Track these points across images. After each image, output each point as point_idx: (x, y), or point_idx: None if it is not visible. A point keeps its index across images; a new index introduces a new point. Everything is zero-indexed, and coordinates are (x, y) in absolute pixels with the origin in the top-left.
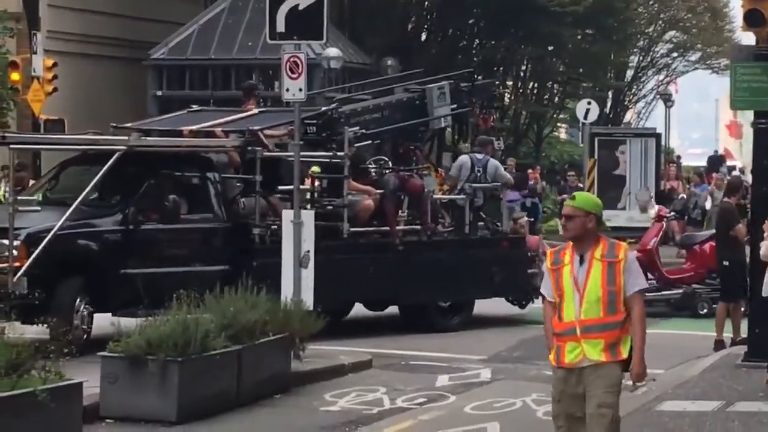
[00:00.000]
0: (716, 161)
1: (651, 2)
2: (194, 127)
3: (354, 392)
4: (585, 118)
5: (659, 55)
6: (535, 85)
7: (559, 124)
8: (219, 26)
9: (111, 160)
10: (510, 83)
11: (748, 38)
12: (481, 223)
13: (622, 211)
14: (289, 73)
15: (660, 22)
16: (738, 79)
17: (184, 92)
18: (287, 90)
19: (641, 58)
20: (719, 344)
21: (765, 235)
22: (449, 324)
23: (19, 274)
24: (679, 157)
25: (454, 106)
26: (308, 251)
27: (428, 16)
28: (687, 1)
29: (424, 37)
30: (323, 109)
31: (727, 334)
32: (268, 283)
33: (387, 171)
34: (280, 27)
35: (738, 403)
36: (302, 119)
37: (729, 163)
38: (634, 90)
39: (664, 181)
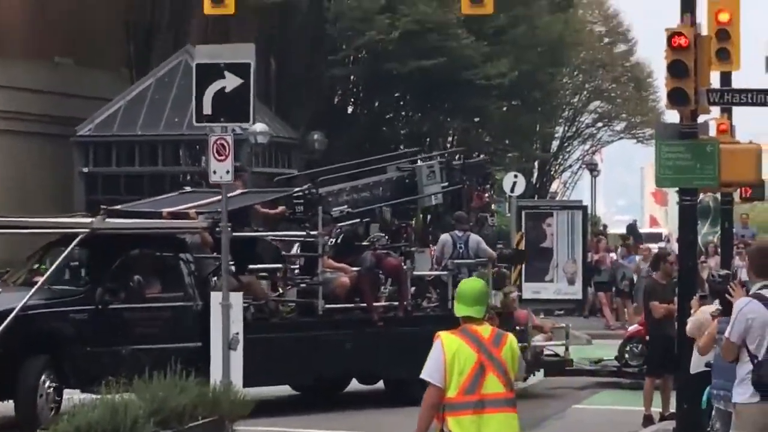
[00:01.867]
0: (635, 229)
1: (576, 73)
2: (172, 209)
3: None
4: (512, 191)
5: (584, 125)
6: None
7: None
8: (146, 102)
9: (73, 243)
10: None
11: (673, 114)
12: None
13: (550, 283)
14: (216, 156)
15: (585, 92)
16: (663, 156)
17: (110, 169)
18: (214, 172)
19: (567, 128)
20: (648, 419)
21: (692, 311)
22: None
23: None
24: (605, 227)
25: (446, 184)
26: (237, 333)
27: (354, 90)
28: (611, 71)
29: (350, 109)
30: (296, 190)
31: (656, 409)
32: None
33: (382, 248)
34: (207, 110)
35: None
36: (291, 198)
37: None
38: (560, 160)
39: (591, 253)
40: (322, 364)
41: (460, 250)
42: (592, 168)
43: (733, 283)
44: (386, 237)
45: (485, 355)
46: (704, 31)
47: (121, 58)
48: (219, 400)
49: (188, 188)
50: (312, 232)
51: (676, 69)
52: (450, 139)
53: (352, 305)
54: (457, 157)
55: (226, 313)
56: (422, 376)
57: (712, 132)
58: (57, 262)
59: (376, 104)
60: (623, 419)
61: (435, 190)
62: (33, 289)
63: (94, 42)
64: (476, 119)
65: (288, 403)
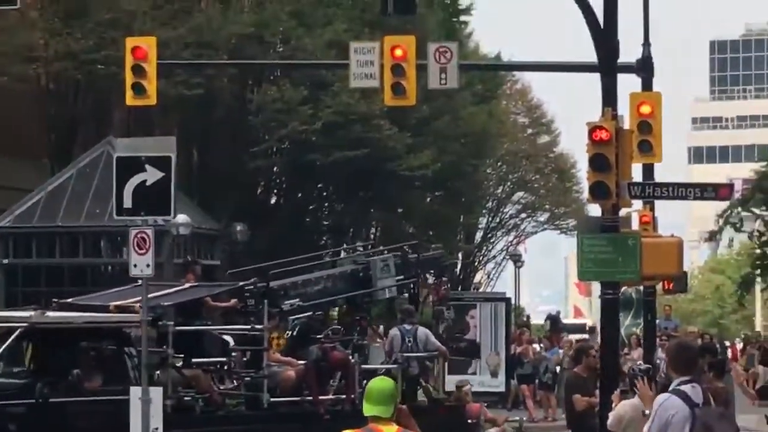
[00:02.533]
0: (556, 320)
1: (499, 164)
2: (117, 303)
3: None
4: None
5: (508, 216)
6: (385, 248)
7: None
8: (66, 193)
9: (11, 337)
10: (360, 246)
11: (597, 208)
12: (420, 390)
13: (473, 376)
14: (137, 249)
15: (508, 183)
16: (585, 250)
17: (31, 260)
18: (135, 265)
19: (491, 219)
20: None
21: (613, 405)
22: None
23: None
24: (528, 318)
25: (401, 277)
26: (156, 429)
27: (277, 180)
28: (534, 162)
29: (273, 200)
30: (246, 283)
31: None
32: None
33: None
34: (128, 203)
35: None
36: (241, 290)
37: (578, 320)
38: (483, 251)
39: (514, 345)
40: None
41: (409, 344)
42: (516, 259)
43: (641, 379)
44: (342, 330)
45: None
46: (626, 124)
47: (42, 149)
48: None
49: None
50: (257, 326)
51: (597, 163)
52: (373, 230)
53: (298, 398)
54: (411, 250)
55: (146, 408)
56: None
57: (635, 224)
58: None
59: (299, 195)
60: None
61: (389, 283)
62: None
63: (15, 132)
64: (399, 210)
65: None
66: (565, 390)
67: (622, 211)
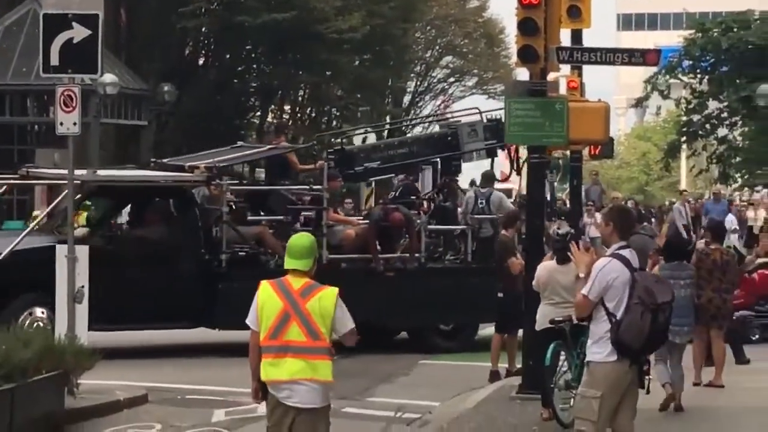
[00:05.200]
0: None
1: (428, 28)
2: (191, 164)
3: (129, 429)
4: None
5: (436, 81)
6: (313, 110)
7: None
8: None
9: (62, 195)
10: (288, 108)
11: (525, 72)
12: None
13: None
14: (63, 107)
15: (437, 47)
16: (512, 114)
17: None
18: (61, 124)
19: (418, 83)
20: (494, 375)
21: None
22: (449, 346)
23: None
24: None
25: (493, 141)
26: (83, 286)
27: (205, 42)
28: (463, 27)
29: (201, 62)
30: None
31: (503, 365)
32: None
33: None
34: (54, 60)
35: None
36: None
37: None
38: (411, 115)
39: None
40: None
41: (481, 206)
42: (443, 123)
43: (575, 244)
44: (436, 191)
45: (291, 305)
46: None
47: None
48: (64, 353)
49: (240, 143)
50: (316, 186)
51: (526, 26)
52: (301, 92)
53: (356, 255)
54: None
55: (72, 266)
56: (246, 320)
57: (563, 89)
58: (48, 209)
59: (228, 57)
60: (470, 375)
61: (477, 146)
62: (22, 234)
63: None
64: (328, 73)
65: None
66: (497, 253)
67: (550, 76)
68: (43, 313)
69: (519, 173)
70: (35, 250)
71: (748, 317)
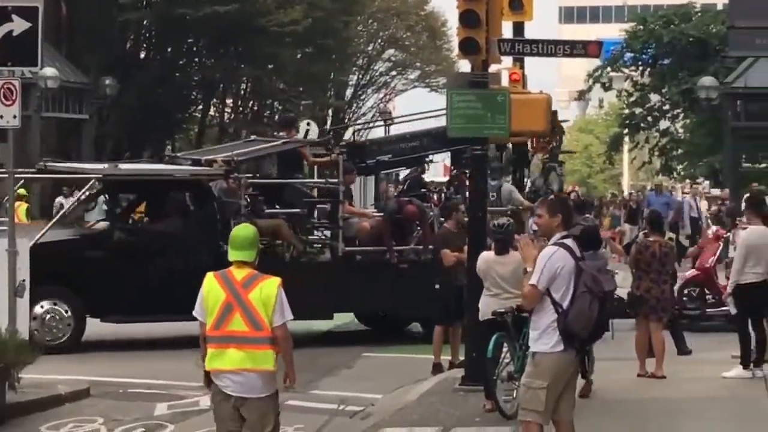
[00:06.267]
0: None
1: (370, 21)
2: (208, 157)
3: (71, 423)
4: (305, 138)
5: (378, 74)
6: (255, 103)
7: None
8: None
9: (86, 187)
10: (230, 102)
11: (466, 64)
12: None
13: None
14: (3, 100)
15: (379, 40)
16: (454, 106)
17: None
18: (1, 117)
19: (361, 76)
20: (437, 368)
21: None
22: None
23: None
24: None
25: None
26: (23, 280)
27: (147, 35)
28: (405, 20)
29: (143, 55)
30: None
31: (446, 357)
32: None
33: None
34: None
35: (455, 428)
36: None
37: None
38: (354, 108)
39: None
40: (353, 301)
41: (492, 198)
42: (386, 116)
43: (522, 238)
44: (446, 184)
45: (233, 296)
46: None
47: None
48: (5, 348)
49: (253, 136)
50: (332, 180)
51: (467, 18)
52: (243, 85)
53: (371, 248)
54: None
55: (13, 260)
56: (193, 312)
57: (505, 82)
58: (72, 203)
59: (169, 50)
60: (413, 367)
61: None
62: (47, 227)
63: None
64: (270, 66)
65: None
66: (436, 244)
67: (492, 68)
68: (55, 305)
69: (527, 166)
70: (57, 244)
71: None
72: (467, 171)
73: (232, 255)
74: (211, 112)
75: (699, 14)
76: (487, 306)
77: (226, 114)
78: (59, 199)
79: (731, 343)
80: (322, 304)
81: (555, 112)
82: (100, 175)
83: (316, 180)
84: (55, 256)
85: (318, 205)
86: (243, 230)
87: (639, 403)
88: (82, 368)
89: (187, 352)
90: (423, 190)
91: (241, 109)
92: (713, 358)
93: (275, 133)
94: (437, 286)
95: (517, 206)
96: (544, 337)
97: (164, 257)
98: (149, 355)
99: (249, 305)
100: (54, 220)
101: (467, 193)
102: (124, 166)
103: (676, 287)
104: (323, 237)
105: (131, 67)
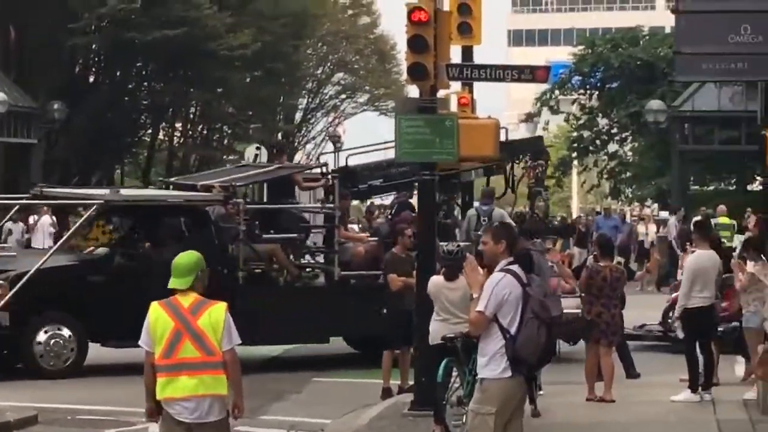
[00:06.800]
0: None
1: (319, 45)
2: (204, 183)
3: None
4: (254, 162)
5: (328, 97)
6: (204, 127)
7: (228, 166)
8: None
9: (88, 213)
10: (179, 126)
11: (416, 89)
12: None
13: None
14: None
15: (328, 64)
16: (402, 131)
17: None
18: None
19: (310, 100)
20: (386, 392)
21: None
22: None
23: None
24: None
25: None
26: None
27: (96, 59)
28: (355, 44)
29: (92, 79)
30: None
31: (396, 382)
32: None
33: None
34: None
35: None
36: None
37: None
38: (303, 132)
39: None
40: (348, 324)
41: (484, 222)
42: (336, 140)
43: (467, 264)
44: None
45: (182, 323)
46: (446, 6)
47: None
48: None
49: (243, 161)
50: (329, 204)
51: (416, 44)
52: (192, 109)
53: (367, 272)
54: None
55: None
56: (139, 342)
57: (454, 106)
58: (74, 228)
59: (118, 74)
60: (362, 392)
61: (474, 165)
62: (48, 254)
63: None
64: (219, 90)
65: None
66: (384, 269)
67: (441, 93)
68: (59, 330)
69: (514, 191)
70: (59, 269)
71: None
72: (455, 196)
73: (172, 282)
74: (161, 136)
75: (647, 38)
76: (436, 331)
77: (175, 138)
78: (8, 225)
79: (680, 367)
80: (317, 328)
81: (540, 138)
82: (102, 201)
83: (311, 205)
84: (56, 282)
85: (313, 230)
86: (181, 257)
87: (588, 428)
88: (30, 395)
89: (137, 378)
90: (413, 213)
91: (190, 132)
92: (662, 382)
93: (223, 157)
94: (384, 311)
95: None
96: (492, 363)
97: (167, 281)
98: (99, 381)
99: (199, 331)
100: (56, 246)
101: (449, 219)
102: (125, 192)
103: (662, 309)
104: (313, 261)
105: (80, 91)
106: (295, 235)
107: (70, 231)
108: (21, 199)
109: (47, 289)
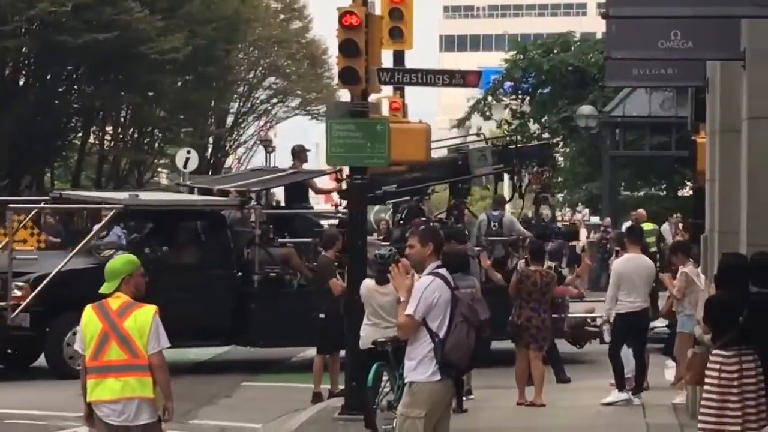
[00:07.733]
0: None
1: (251, 49)
2: (220, 187)
3: None
4: (185, 166)
5: (259, 102)
6: (135, 131)
7: (160, 170)
8: None
9: (107, 217)
10: (110, 129)
11: (347, 92)
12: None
13: None
14: None
15: (260, 68)
16: (334, 135)
17: None
18: None
19: (242, 104)
20: (317, 397)
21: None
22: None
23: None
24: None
25: (501, 165)
26: None
27: (26, 62)
28: (286, 48)
29: (21, 82)
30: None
31: (326, 386)
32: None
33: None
34: None
35: None
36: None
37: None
38: (234, 136)
39: None
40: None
41: (494, 228)
42: (267, 144)
43: (394, 267)
44: (444, 213)
45: (109, 325)
46: (378, 11)
47: None
48: None
49: (259, 166)
50: (341, 209)
51: (347, 48)
52: (123, 113)
53: None
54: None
55: None
56: (74, 346)
57: (385, 111)
58: (93, 232)
59: (48, 77)
60: (292, 396)
61: (485, 171)
62: (69, 256)
63: None
64: (150, 94)
65: None
66: (318, 274)
67: (373, 97)
68: None
69: (522, 197)
70: (78, 271)
71: None
72: (466, 200)
73: (103, 288)
74: (91, 140)
75: (578, 43)
76: (367, 335)
77: (106, 142)
78: None
79: (609, 371)
80: None
81: (547, 144)
82: (122, 205)
83: (327, 210)
84: (76, 284)
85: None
86: (111, 262)
87: None
88: None
89: (70, 381)
90: (423, 219)
91: (121, 136)
92: (592, 386)
93: (154, 161)
94: (322, 315)
95: (518, 236)
96: (420, 367)
97: (183, 284)
98: (31, 385)
99: (125, 334)
100: (77, 248)
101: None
102: (144, 196)
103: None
104: None
105: (10, 94)
106: (309, 239)
107: (91, 234)
108: (40, 202)
109: (67, 290)
